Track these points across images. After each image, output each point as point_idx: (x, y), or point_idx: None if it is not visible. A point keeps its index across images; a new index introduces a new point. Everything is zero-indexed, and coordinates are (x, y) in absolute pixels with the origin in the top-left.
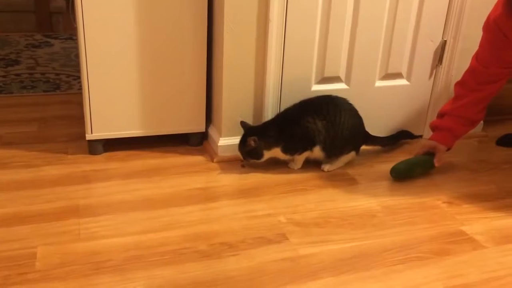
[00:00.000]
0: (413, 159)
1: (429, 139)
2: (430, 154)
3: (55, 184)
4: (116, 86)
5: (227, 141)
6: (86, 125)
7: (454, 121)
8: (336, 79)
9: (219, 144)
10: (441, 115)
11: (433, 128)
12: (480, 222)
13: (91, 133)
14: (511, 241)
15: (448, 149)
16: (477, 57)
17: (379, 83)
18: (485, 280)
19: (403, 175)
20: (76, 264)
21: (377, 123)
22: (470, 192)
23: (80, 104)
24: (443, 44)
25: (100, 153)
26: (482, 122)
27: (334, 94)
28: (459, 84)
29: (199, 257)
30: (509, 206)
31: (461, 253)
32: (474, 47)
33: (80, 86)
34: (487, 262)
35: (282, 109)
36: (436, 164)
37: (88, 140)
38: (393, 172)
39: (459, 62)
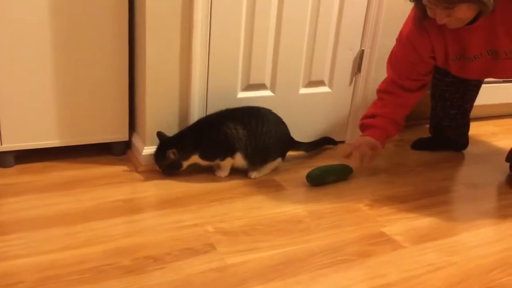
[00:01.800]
0: (328, 166)
1: (365, 135)
2: (344, 164)
3: None
4: (28, 92)
5: (152, 150)
6: None
7: (387, 122)
8: (261, 86)
9: (143, 153)
10: (371, 116)
11: (366, 126)
12: (399, 223)
13: (1, 144)
14: (427, 240)
15: (382, 147)
16: (393, 69)
17: (303, 90)
18: (404, 279)
19: (317, 181)
20: None
21: (301, 129)
22: (389, 194)
23: None
24: (361, 53)
25: (11, 166)
26: None
27: (259, 101)
28: (383, 92)
29: (122, 273)
30: (424, 206)
31: (382, 253)
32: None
33: None
34: (406, 261)
35: None
36: (369, 164)
37: None
38: (308, 178)
39: (376, 70)
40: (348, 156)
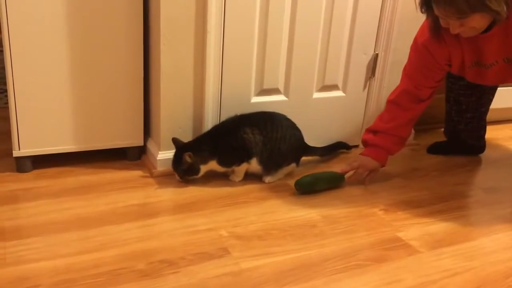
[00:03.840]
0: (319, 174)
1: (364, 154)
2: (336, 172)
3: None
4: (45, 98)
5: (166, 155)
6: (13, 141)
7: (390, 140)
8: (275, 91)
9: (158, 158)
10: (374, 132)
11: (368, 144)
12: (415, 228)
13: (19, 149)
14: (444, 245)
15: (382, 166)
16: (409, 78)
17: (316, 95)
18: (421, 284)
19: (306, 189)
20: None
21: (315, 134)
22: (404, 199)
23: (6, 119)
24: (375, 57)
25: (29, 171)
26: (413, 131)
27: (273, 105)
28: (393, 103)
29: (137, 277)
30: (440, 211)
31: (398, 259)
32: (403, 59)
33: (7, 100)
34: (422, 266)
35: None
36: (367, 184)
37: (16, 157)
38: (297, 185)
39: (390, 74)
40: (345, 173)
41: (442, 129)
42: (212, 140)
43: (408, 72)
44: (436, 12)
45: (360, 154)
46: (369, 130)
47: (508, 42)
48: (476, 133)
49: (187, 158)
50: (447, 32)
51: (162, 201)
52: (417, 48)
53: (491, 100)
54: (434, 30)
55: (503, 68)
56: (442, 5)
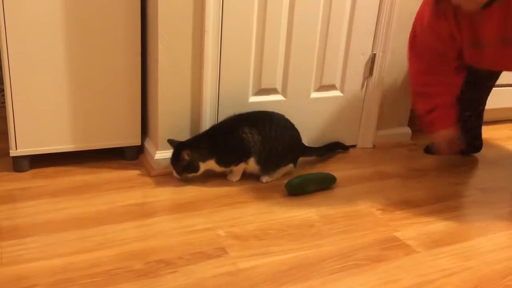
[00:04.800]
0: (310, 175)
1: (436, 129)
2: (327, 173)
3: None
4: (42, 98)
5: (164, 154)
6: (10, 140)
7: (448, 108)
8: (272, 90)
9: (155, 158)
10: (431, 111)
11: (432, 122)
12: (412, 228)
13: (16, 149)
14: (441, 245)
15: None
16: (419, 57)
17: (314, 95)
18: (418, 284)
19: (296, 190)
20: None
21: (312, 133)
22: (402, 199)
23: (3, 118)
24: (373, 57)
25: (26, 170)
26: (410, 131)
27: (271, 105)
28: (421, 85)
29: (135, 276)
30: (438, 211)
31: (395, 258)
32: (401, 59)
33: (4, 99)
34: (419, 266)
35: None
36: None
37: (13, 157)
38: (287, 187)
39: (388, 74)
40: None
41: None
42: (210, 139)
43: (418, 51)
44: None
45: (431, 136)
46: (426, 113)
47: (507, 21)
48: (473, 131)
49: (185, 156)
50: (447, 11)
51: (159, 200)
52: (423, 30)
53: (486, 99)
54: (435, 6)
55: (499, 49)
56: None
